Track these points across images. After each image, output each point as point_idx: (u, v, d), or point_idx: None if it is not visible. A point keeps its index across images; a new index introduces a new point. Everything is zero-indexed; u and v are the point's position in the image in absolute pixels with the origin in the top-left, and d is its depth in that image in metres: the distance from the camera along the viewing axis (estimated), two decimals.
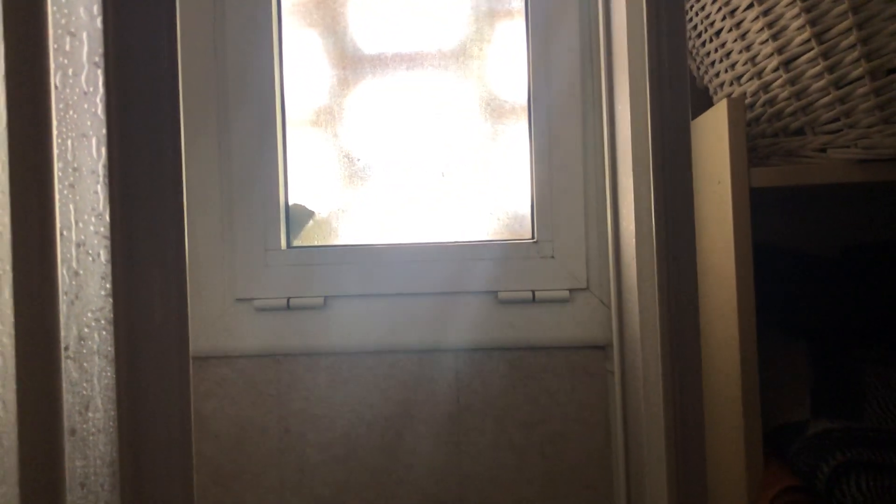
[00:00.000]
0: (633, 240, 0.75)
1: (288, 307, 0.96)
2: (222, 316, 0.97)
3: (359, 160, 1.01)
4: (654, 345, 0.68)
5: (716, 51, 0.80)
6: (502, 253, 0.97)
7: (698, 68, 0.87)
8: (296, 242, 1.01)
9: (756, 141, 0.77)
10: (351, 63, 1.01)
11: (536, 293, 0.95)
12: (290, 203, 1.01)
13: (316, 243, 1.01)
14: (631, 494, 0.86)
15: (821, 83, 0.67)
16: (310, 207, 1.01)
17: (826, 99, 0.68)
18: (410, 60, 1.00)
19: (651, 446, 0.70)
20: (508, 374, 0.96)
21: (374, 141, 1.01)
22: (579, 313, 0.95)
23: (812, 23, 0.67)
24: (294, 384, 0.98)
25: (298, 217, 1.01)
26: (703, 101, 0.88)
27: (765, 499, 0.67)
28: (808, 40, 0.67)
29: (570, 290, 0.96)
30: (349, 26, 1.01)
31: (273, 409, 0.98)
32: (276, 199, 0.98)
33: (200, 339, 0.96)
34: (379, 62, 1.01)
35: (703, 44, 0.82)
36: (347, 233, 1.01)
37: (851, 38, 0.64)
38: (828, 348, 0.79)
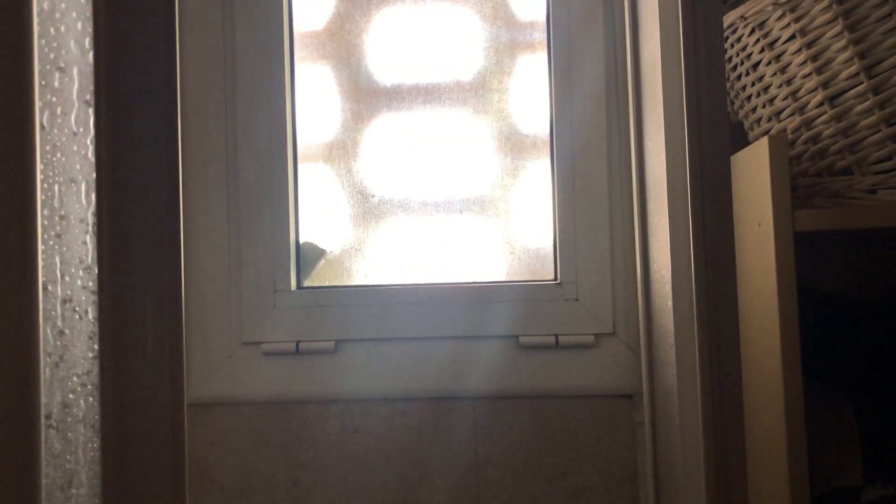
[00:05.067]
0: (668, 285, 0.69)
1: (297, 351, 0.91)
2: (228, 360, 0.92)
3: (373, 196, 0.97)
4: (693, 396, 0.63)
5: (752, 84, 0.75)
6: (524, 294, 0.91)
7: (732, 103, 0.82)
8: (306, 283, 0.97)
9: (797, 180, 0.72)
10: (365, 97, 0.97)
11: (560, 338, 0.90)
12: (301, 241, 0.97)
13: (328, 283, 0.97)
14: None
15: (870, 119, 0.63)
16: (321, 246, 0.97)
17: (876, 136, 0.63)
18: (427, 93, 0.96)
19: None
20: (530, 424, 0.91)
21: (390, 177, 0.96)
22: (606, 360, 0.90)
23: (861, 55, 0.62)
24: (303, 433, 0.92)
25: (310, 256, 0.97)
26: (738, 138, 0.83)
27: None
28: (857, 74, 0.62)
29: (596, 335, 0.90)
30: (364, 59, 0.97)
31: (281, 460, 0.92)
32: (287, 237, 0.94)
33: (205, 384, 0.92)
34: (395, 95, 0.97)
35: (739, 77, 0.77)
36: (361, 273, 0.96)
37: None
38: (875, 403, 0.73)
